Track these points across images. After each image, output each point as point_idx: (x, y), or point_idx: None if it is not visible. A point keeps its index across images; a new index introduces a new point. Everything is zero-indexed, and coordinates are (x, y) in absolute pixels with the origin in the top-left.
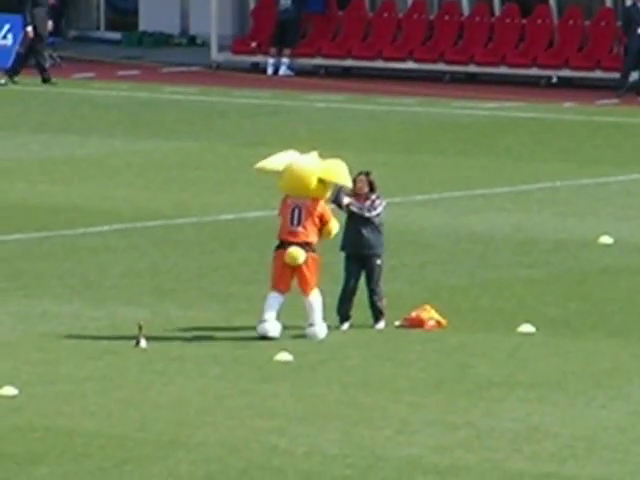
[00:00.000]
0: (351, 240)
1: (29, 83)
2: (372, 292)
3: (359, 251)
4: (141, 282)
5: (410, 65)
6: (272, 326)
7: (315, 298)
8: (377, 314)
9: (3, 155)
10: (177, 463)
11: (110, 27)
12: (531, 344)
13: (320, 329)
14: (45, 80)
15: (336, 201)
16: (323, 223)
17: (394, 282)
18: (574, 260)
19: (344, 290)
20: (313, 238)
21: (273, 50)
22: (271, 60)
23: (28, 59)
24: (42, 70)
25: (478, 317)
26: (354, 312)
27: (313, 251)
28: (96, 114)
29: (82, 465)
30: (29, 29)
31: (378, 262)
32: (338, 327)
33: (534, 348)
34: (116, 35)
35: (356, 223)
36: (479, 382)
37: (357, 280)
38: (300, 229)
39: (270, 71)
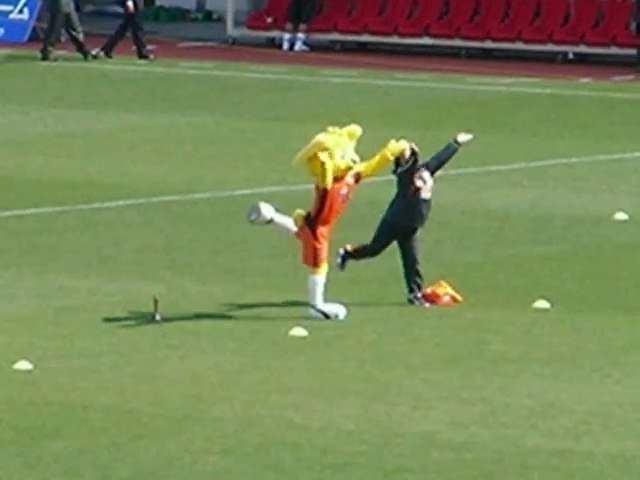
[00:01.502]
0: (417, 215)
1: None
2: (417, 262)
3: (417, 225)
4: (157, 257)
5: (426, 41)
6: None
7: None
8: (420, 282)
9: (20, 130)
10: (192, 438)
11: None
12: (546, 320)
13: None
14: (142, 56)
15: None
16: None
17: None
18: (589, 236)
19: (373, 253)
20: (310, 211)
21: (289, 25)
22: (287, 35)
23: (124, 33)
24: (140, 45)
25: (493, 293)
26: (370, 287)
27: (305, 223)
28: (112, 89)
29: (97, 440)
30: (130, 3)
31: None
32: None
33: (549, 324)
34: None
35: (419, 198)
36: (494, 358)
37: None
38: None
39: (286, 46)
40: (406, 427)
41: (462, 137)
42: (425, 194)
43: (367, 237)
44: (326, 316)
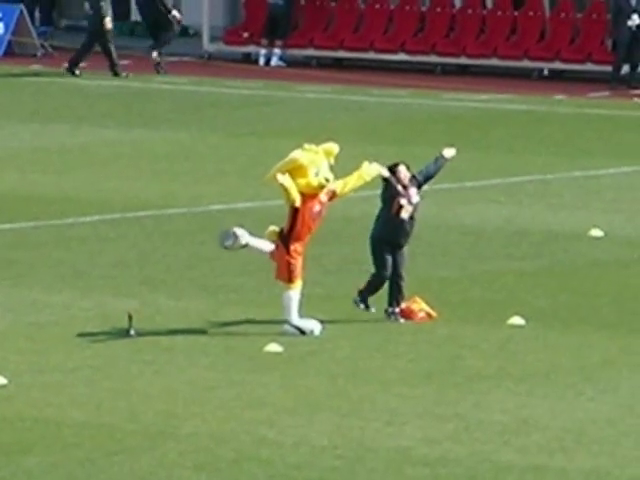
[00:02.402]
0: (400, 231)
1: (20, 73)
2: (401, 278)
3: (402, 241)
4: (131, 272)
5: (402, 57)
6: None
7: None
8: (400, 299)
9: None
10: (166, 453)
11: None
12: (521, 336)
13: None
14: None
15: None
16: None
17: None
18: (564, 253)
19: (383, 277)
20: (284, 227)
21: (264, 41)
22: (263, 51)
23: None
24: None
25: (468, 309)
26: (345, 303)
27: (279, 239)
28: (87, 104)
29: (71, 455)
30: (176, 13)
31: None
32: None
33: (524, 340)
34: None
35: (401, 217)
36: (469, 374)
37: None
38: None
39: (262, 62)
40: (380, 443)
41: (447, 152)
42: (405, 214)
43: (340, 252)
44: (301, 332)
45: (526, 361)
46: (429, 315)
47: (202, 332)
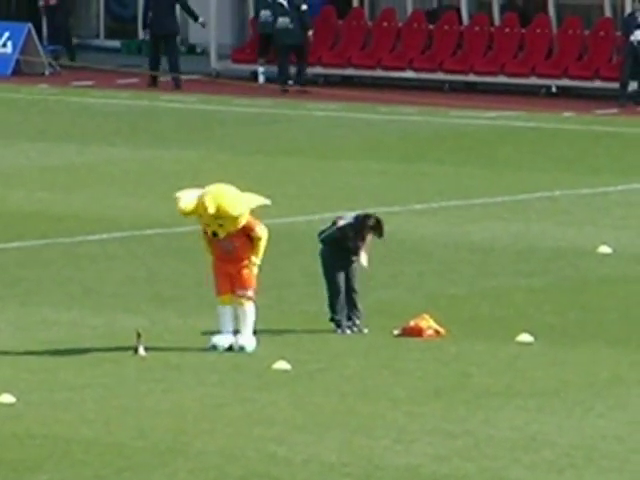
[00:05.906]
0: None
1: (28, 91)
2: (354, 291)
3: (349, 245)
4: (140, 290)
5: (409, 74)
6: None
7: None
8: (357, 315)
9: (2, 163)
10: (175, 471)
11: (110, 35)
12: (530, 353)
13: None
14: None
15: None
16: None
17: (393, 290)
18: (573, 269)
19: (337, 291)
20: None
21: (261, 60)
22: (261, 69)
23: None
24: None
25: (477, 326)
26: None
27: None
28: (95, 122)
29: (80, 473)
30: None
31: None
32: (339, 332)
33: (533, 357)
34: (116, 43)
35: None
36: (477, 391)
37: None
38: None
39: (262, 80)
40: (389, 460)
41: (363, 260)
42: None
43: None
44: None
45: (535, 378)
46: (437, 332)
47: (211, 349)
